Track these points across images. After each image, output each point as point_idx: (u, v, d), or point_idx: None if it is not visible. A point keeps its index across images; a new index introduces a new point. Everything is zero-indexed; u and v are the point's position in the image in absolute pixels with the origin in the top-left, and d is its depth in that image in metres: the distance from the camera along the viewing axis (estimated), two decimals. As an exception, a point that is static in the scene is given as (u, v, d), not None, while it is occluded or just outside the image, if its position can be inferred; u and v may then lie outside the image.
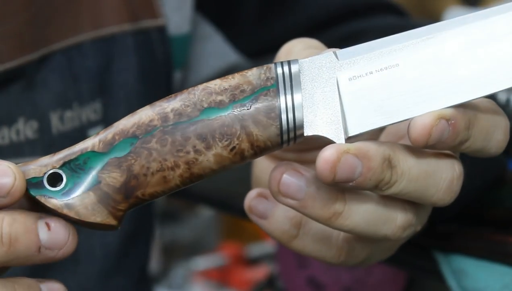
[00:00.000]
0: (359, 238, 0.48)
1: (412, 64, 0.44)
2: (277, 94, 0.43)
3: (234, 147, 0.43)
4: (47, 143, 0.62)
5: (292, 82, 0.43)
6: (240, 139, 0.43)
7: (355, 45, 0.45)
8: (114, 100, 0.66)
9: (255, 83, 0.43)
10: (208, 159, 0.43)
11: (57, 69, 0.63)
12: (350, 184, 0.43)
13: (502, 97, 0.80)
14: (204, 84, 0.43)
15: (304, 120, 0.43)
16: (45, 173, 0.42)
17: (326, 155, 0.42)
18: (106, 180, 0.42)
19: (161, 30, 0.68)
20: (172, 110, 0.42)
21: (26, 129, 0.61)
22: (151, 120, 0.42)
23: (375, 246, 0.50)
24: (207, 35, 0.72)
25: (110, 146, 0.42)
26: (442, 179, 0.45)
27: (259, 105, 0.43)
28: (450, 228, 0.65)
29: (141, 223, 0.71)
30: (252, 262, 1.95)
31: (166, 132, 0.42)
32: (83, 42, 0.64)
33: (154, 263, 1.98)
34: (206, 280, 1.93)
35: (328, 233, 0.48)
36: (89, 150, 0.42)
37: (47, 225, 0.42)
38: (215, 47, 0.72)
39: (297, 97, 0.43)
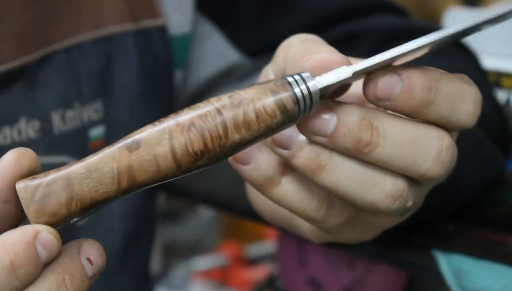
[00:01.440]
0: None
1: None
2: (294, 123, 0.45)
3: None
4: (49, 143, 0.62)
5: (311, 109, 0.44)
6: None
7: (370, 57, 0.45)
8: (115, 100, 0.66)
9: (277, 128, 0.44)
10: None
11: (59, 69, 0.63)
12: (324, 139, 0.44)
13: (502, 97, 0.80)
14: (232, 140, 0.43)
15: None
16: (67, 221, 0.43)
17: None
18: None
19: (162, 30, 0.68)
20: (197, 166, 0.43)
21: (28, 129, 0.61)
22: (175, 175, 0.43)
23: (356, 211, 0.49)
24: (207, 35, 0.72)
25: (132, 191, 0.43)
26: (430, 147, 0.45)
27: (275, 133, 0.45)
28: (450, 228, 0.65)
29: (143, 223, 0.71)
30: (252, 262, 1.95)
31: (186, 174, 0.44)
32: (84, 42, 0.64)
33: (154, 263, 1.98)
34: (206, 280, 1.93)
35: (310, 184, 0.48)
36: (111, 198, 0.43)
37: (89, 260, 0.43)
38: (216, 46, 0.73)
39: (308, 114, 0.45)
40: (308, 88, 0.43)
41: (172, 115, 0.43)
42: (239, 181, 0.56)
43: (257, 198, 0.60)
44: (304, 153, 0.45)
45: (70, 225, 0.44)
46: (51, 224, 0.42)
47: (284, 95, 0.43)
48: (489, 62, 0.83)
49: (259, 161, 0.48)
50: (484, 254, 0.62)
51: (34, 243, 0.41)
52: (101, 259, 0.44)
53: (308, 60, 0.46)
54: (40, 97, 0.61)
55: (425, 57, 0.70)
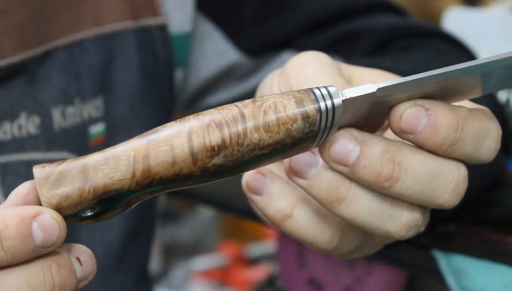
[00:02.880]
0: (354, 226, 0.48)
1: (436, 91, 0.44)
2: (314, 140, 0.44)
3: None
4: (49, 139, 0.62)
5: (331, 126, 0.43)
6: (265, 165, 0.45)
7: (397, 80, 0.44)
8: (116, 97, 0.66)
9: (297, 137, 0.43)
10: (232, 176, 0.45)
11: (59, 66, 0.63)
12: (345, 168, 0.43)
13: (502, 97, 0.80)
14: (250, 138, 0.42)
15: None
16: (79, 210, 0.43)
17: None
18: (136, 200, 0.44)
19: (162, 29, 0.68)
20: (214, 165, 0.42)
21: (28, 124, 0.61)
22: (191, 172, 0.42)
23: (366, 238, 0.49)
24: (207, 34, 0.72)
25: (147, 187, 0.43)
26: (449, 180, 0.45)
27: (295, 149, 0.44)
28: (450, 228, 0.65)
29: (143, 221, 0.71)
30: (252, 262, 1.95)
31: (203, 176, 0.43)
32: (84, 39, 0.64)
33: (154, 263, 1.98)
34: (206, 280, 1.93)
35: (323, 217, 0.48)
36: (125, 190, 0.42)
37: (79, 260, 0.43)
38: (215, 45, 0.73)
39: (330, 134, 0.44)
40: (331, 97, 0.43)
41: (194, 114, 0.43)
42: (239, 181, 0.56)
43: None
44: (323, 184, 0.44)
45: (81, 223, 0.43)
46: (63, 209, 0.42)
47: (307, 101, 0.42)
48: (489, 62, 0.82)
49: (271, 191, 0.47)
50: (484, 254, 0.62)
51: (30, 221, 0.40)
52: (91, 263, 0.43)
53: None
54: (40, 93, 0.62)
55: (423, 56, 0.70)
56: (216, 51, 0.73)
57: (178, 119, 0.43)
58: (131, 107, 0.67)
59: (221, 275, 1.93)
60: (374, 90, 0.43)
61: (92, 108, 0.64)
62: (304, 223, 0.48)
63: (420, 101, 0.44)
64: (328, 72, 0.51)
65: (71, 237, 0.65)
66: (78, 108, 0.63)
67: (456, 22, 0.92)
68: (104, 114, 0.65)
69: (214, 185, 0.88)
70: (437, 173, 0.44)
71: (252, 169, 0.44)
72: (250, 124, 0.42)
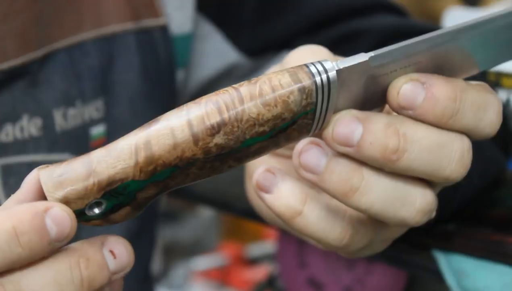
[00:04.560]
0: (364, 221, 0.48)
1: (431, 60, 0.45)
2: (313, 116, 0.44)
3: (262, 156, 0.45)
4: (51, 140, 0.62)
5: (329, 97, 0.43)
6: (270, 151, 0.45)
7: (388, 46, 0.44)
8: (117, 99, 0.66)
9: (296, 110, 0.43)
10: (239, 166, 0.45)
11: (60, 68, 0.63)
12: (350, 149, 0.43)
13: (502, 97, 0.80)
14: (249, 110, 0.42)
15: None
16: (87, 205, 0.42)
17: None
18: (143, 195, 0.43)
19: (163, 30, 0.68)
20: (215, 145, 0.42)
21: (30, 126, 0.61)
22: (194, 155, 0.42)
23: (377, 233, 0.49)
24: (207, 35, 0.72)
25: (151, 175, 0.43)
26: (454, 150, 0.45)
27: (296, 126, 0.44)
28: (450, 228, 0.65)
29: (145, 222, 0.71)
30: (252, 262, 1.95)
31: (207, 161, 0.43)
32: (85, 40, 0.64)
33: (154, 263, 1.98)
34: (206, 280, 1.93)
35: (334, 213, 0.48)
36: (129, 179, 0.42)
37: (112, 253, 0.43)
38: (216, 46, 0.73)
39: (330, 109, 0.44)
40: (323, 66, 0.43)
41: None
42: (239, 180, 0.56)
43: (257, 199, 0.60)
44: (335, 176, 0.44)
45: (89, 223, 0.43)
46: (69, 203, 0.42)
47: (300, 73, 0.43)
48: (489, 62, 0.83)
49: (281, 189, 0.47)
50: (484, 254, 0.62)
51: (42, 214, 0.40)
52: (127, 255, 0.43)
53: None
54: (42, 95, 0.62)
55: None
56: (216, 51, 0.73)
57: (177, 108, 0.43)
58: (132, 109, 0.67)
59: (221, 275, 1.93)
60: (367, 58, 0.43)
61: (93, 109, 0.65)
62: (314, 220, 0.47)
63: (415, 76, 0.44)
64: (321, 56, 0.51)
65: (74, 239, 0.65)
66: (79, 110, 0.64)
67: (456, 22, 0.92)
68: (105, 115, 0.65)
69: (214, 185, 0.88)
70: (442, 143, 0.44)
71: (256, 153, 0.44)
72: (247, 99, 0.42)
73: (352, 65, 0.43)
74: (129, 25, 0.66)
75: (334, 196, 0.45)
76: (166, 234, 2.08)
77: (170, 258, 2.03)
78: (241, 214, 0.85)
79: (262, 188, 0.48)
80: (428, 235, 0.64)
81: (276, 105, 0.42)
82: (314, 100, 0.43)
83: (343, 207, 0.48)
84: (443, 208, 0.62)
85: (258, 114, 0.42)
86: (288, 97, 0.42)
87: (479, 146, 0.63)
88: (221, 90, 0.43)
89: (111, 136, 0.66)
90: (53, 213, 0.40)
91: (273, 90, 0.42)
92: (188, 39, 0.70)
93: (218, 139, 0.42)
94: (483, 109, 0.45)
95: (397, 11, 0.75)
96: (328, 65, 0.43)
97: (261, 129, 0.43)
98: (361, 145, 0.43)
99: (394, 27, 0.71)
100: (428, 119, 0.44)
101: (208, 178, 0.45)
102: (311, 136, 0.45)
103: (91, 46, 0.64)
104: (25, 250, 0.40)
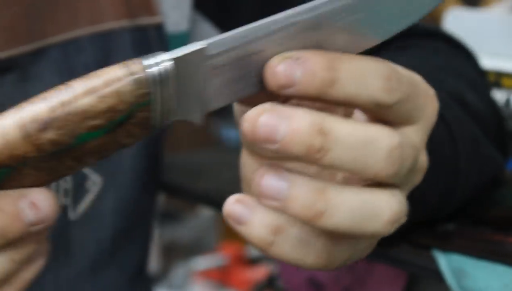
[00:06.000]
0: (338, 240, 0.48)
1: (275, 47, 0.44)
2: (151, 108, 0.42)
3: (104, 157, 0.43)
4: None
5: (167, 88, 0.42)
6: (112, 150, 0.43)
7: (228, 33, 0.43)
8: None
9: (131, 101, 0.41)
10: (78, 169, 0.43)
11: (53, 63, 0.63)
12: (275, 146, 0.42)
13: (502, 98, 0.81)
14: (80, 102, 0.41)
15: (173, 116, 0.43)
16: None
17: (249, 112, 0.42)
18: None
19: (159, 28, 0.68)
20: (48, 141, 0.41)
21: None
22: (26, 152, 0.41)
23: (355, 246, 0.49)
24: (206, 34, 0.72)
25: None
26: (380, 147, 0.44)
27: (134, 120, 0.42)
28: (450, 228, 0.65)
29: (137, 220, 0.71)
30: (252, 262, 1.95)
31: (42, 160, 0.41)
32: (80, 37, 0.64)
33: (154, 263, 1.99)
34: (206, 280, 1.93)
35: (306, 239, 0.47)
36: None
37: (33, 205, 0.42)
38: None
39: (170, 102, 0.42)
40: (158, 56, 0.42)
41: None
42: (239, 181, 0.56)
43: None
44: (299, 202, 0.43)
45: None
46: None
47: (133, 63, 0.42)
48: (489, 62, 0.83)
49: (251, 221, 0.46)
50: (484, 254, 0.62)
51: None
52: (48, 207, 0.42)
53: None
54: (32, 90, 0.61)
55: (419, 55, 0.69)
56: None
57: None
58: None
59: (221, 275, 1.93)
60: (205, 45, 0.42)
61: None
62: (288, 249, 0.47)
63: (288, 54, 0.43)
64: None
65: (63, 235, 0.65)
66: None
67: (456, 22, 0.92)
68: None
69: (214, 185, 0.88)
70: (368, 141, 0.43)
71: (96, 151, 0.42)
72: (77, 89, 0.41)
73: (187, 54, 0.42)
74: (124, 23, 0.67)
75: (301, 221, 0.44)
76: (166, 234, 2.08)
77: (170, 258, 2.03)
78: (241, 214, 0.85)
79: (234, 219, 0.48)
80: (428, 235, 0.64)
81: (109, 96, 0.41)
82: (149, 90, 0.41)
83: (316, 230, 0.48)
84: (443, 207, 0.62)
85: (90, 106, 0.41)
86: (121, 87, 0.41)
87: (476, 145, 0.63)
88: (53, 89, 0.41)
89: None
90: None
91: (106, 81, 0.41)
92: (185, 38, 0.71)
93: (51, 134, 0.40)
94: (365, 76, 0.44)
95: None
96: (163, 56, 0.42)
97: (96, 122, 0.41)
98: (285, 143, 0.42)
99: None
100: (309, 93, 0.43)
101: (52, 181, 0.43)
102: (157, 131, 0.44)
103: (87, 43, 0.64)
104: None
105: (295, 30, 0.45)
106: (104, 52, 0.65)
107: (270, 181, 0.44)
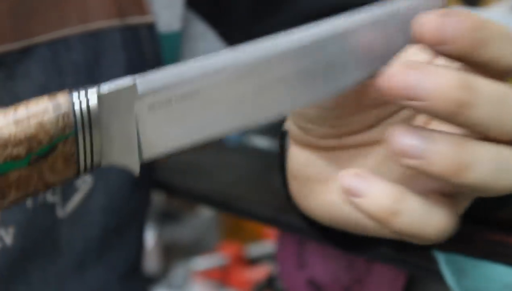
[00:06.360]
0: (453, 204, 0.45)
1: (212, 90, 0.42)
2: (75, 141, 0.41)
3: (29, 194, 0.41)
4: None
5: (91, 124, 0.41)
6: (37, 187, 0.41)
7: (160, 70, 0.41)
8: None
9: (53, 133, 0.40)
10: (5, 205, 0.42)
11: (41, 61, 0.63)
12: (418, 103, 0.40)
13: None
14: (1, 130, 0.40)
15: (102, 157, 0.41)
16: None
17: (390, 69, 0.40)
18: None
19: (150, 27, 0.68)
20: None
21: None
22: None
23: (459, 210, 0.47)
24: (200, 34, 0.72)
25: None
26: None
27: (57, 154, 0.41)
28: (450, 228, 0.65)
29: (127, 219, 0.70)
30: (252, 262, 1.95)
31: None
32: (69, 36, 0.64)
33: (154, 263, 1.98)
34: (206, 280, 1.93)
35: (427, 206, 0.45)
36: None
37: None
38: (208, 46, 0.73)
39: (96, 140, 0.41)
40: (87, 92, 0.40)
41: None
42: (239, 181, 0.56)
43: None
44: (442, 157, 0.41)
45: None
46: None
47: (60, 95, 0.41)
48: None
49: (374, 192, 0.44)
50: (485, 254, 0.62)
51: None
52: None
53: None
54: (20, 88, 0.62)
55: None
56: (209, 51, 0.72)
57: None
58: None
59: (221, 275, 1.93)
60: (132, 83, 0.41)
61: None
62: (411, 219, 0.45)
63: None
64: None
65: (51, 233, 0.65)
66: None
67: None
68: None
69: (214, 185, 0.88)
70: (508, 96, 0.42)
71: (19, 185, 0.41)
72: (0, 116, 0.40)
73: (113, 91, 0.41)
74: (114, 22, 0.66)
75: (442, 179, 0.42)
76: (166, 234, 2.08)
77: (170, 258, 2.03)
78: (241, 214, 0.85)
79: (354, 194, 0.45)
80: (428, 235, 0.64)
81: (29, 125, 0.40)
82: (72, 121, 0.40)
83: (436, 196, 0.46)
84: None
85: (9, 135, 0.40)
86: (43, 117, 0.40)
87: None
88: None
89: None
90: None
91: (28, 109, 0.40)
92: (177, 38, 0.70)
93: None
94: (506, 42, 0.42)
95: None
96: (91, 90, 0.41)
97: (16, 151, 0.40)
98: (437, 98, 0.40)
99: None
100: (460, 54, 0.41)
101: None
102: (87, 173, 0.42)
103: (76, 42, 0.64)
104: None
105: (236, 74, 0.43)
106: (94, 52, 0.65)
107: (407, 139, 0.42)
